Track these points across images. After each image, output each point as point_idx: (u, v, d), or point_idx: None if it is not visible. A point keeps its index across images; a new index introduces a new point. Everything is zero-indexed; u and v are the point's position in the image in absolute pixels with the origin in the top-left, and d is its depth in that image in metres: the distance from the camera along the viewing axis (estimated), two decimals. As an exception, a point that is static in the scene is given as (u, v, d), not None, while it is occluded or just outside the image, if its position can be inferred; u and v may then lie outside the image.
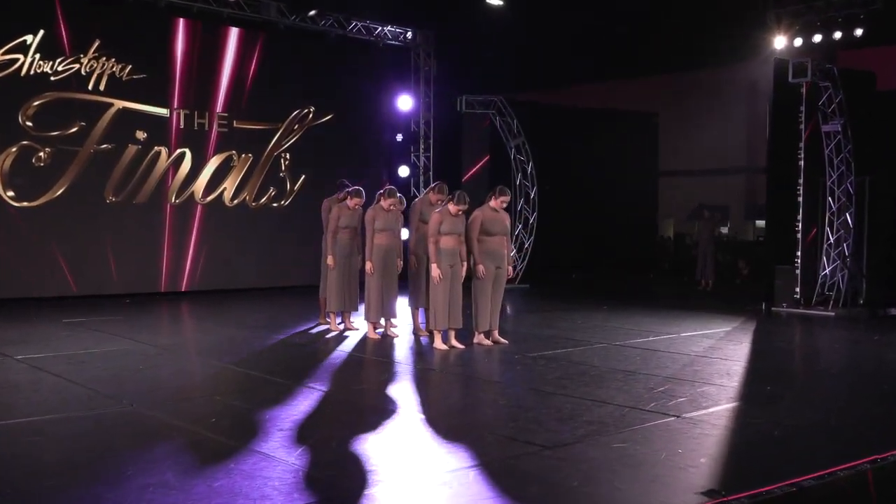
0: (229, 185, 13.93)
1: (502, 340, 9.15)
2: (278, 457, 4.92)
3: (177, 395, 6.54)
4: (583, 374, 7.50)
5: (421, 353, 8.72)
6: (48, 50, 12.17)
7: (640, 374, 7.53)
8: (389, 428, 5.61)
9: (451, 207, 8.81)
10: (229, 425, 5.66)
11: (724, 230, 20.87)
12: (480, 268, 8.84)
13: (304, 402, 6.36)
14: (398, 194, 9.67)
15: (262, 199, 14.28)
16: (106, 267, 12.79)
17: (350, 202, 9.91)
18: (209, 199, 13.72)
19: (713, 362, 8.16)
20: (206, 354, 8.38)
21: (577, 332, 10.19)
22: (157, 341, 9.03)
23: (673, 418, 5.92)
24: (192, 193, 13.56)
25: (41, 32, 12.08)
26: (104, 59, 12.62)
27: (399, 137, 15.93)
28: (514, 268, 16.22)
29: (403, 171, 15.80)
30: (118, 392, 6.59)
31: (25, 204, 12.17)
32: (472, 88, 16.23)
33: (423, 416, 5.97)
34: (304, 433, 5.43)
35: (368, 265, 9.39)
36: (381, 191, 9.58)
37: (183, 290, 13.49)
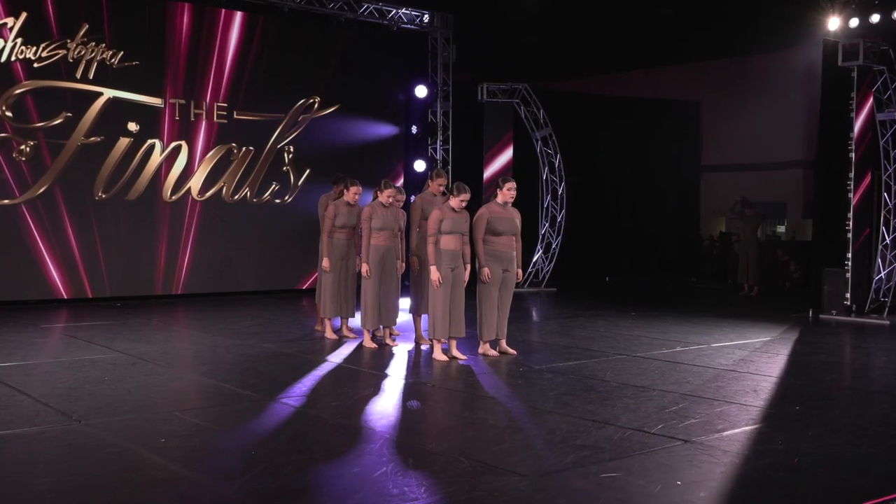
0: (228, 181, 13.72)
1: (510, 351, 8.79)
2: (216, 487, 4.62)
3: (133, 411, 6.29)
4: (589, 390, 7.12)
5: (418, 364, 8.40)
6: (32, 34, 12.03)
7: (654, 390, 7.13)
8: (353, 453, 5.28)
9: (453, 201, 8.47)
10: (177, 446, 5.39)
11: (782, 229, 20.25)
12: (486, 271, 8.49)
13: (268, 421, 6.08)
14: (395, 185, 9.36)
15: (264, 196, 14.05)
16: (95, 269, 12.64)
17: (348, 193, 9.62)
18: (207, 195, 13.53)
19: (741, 377, 7.73)
20: (182, 365, 8.14)
21: (596, 341, 9.80)
22: (134, 350, 8.82)
23: (680, 443, 5.52)
24: (189, 189, 13.37)
25: (24, 15, 11.95)
26: (93, 44, 12.47)
27: (414, 129, 15.60)
28: (539, 271, 15.88)
29: (419, 165, 15.47)
30: (71, 407, 6.36)
31: (6, 202, 12.05)
32: (494, 76, 15.87)
33: (394, 439, 5.63)
34: (256, 458, 5.12)
35: (364, 267, 9.09)
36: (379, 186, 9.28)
37: (178, 293, 13.31)
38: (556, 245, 15.99)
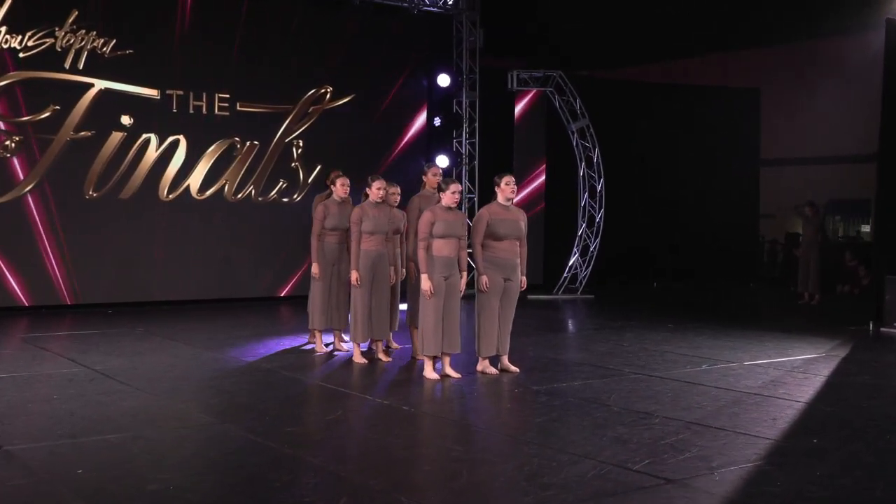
0: (231, 178, 13.58)
1: (512, 369, 8.44)
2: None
3: (66, 435, 6.10)
4: (584, 417, 6.76)
5: (406, 383, 8.10)
6: (17, 22, 12.01)
7: (658, 416, 6.74)
8: (280, 490, 5.00)
9: (444, 197, 8.15)
10: (90, 478, 5.17)
11: (867, 228, 19.53)
12: (484, 279, 8.16)
13: (204, 450, 5.83)
14: (381, 181, 8.99)
15: (271, 194, 13.90)
16: (86, 273, 12.60)
17: (335, 187, 9.37)
18: (207, 193, 13.41)
19: (763, 403, 7.28)
20: (144, 381, 7.94)
21: (615, 357, 9.40)
22: (103, 363, 8.68)
23: (661, 483, 5.14)
24: (188, 188, 13.27)
25: (8, 1, 11.94)
26: (83, 32, 12.42)
27: (437, 122, 15.30)
28: (576, 275, 15.48)
29: (442, 160, 15.17)
30: (1, 428, 6.21)
31: (-9, 200, 12.10)
32: (525, 62, 15.51)
33: (337, 473, 5.34)
34: (167, 498, 4.87)
35: (354, 275, 8.82)
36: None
37: (175, 299, 13.21)
38: (595, 247, 15.57)
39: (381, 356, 9.08)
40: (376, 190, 8.84)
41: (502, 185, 8.29)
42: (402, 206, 9.28)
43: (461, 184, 15.28)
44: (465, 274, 8.26)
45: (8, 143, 12.05)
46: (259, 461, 5.56)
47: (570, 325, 12.80)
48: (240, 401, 7.25)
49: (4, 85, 12.00)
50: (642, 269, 17.61)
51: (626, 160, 16.69)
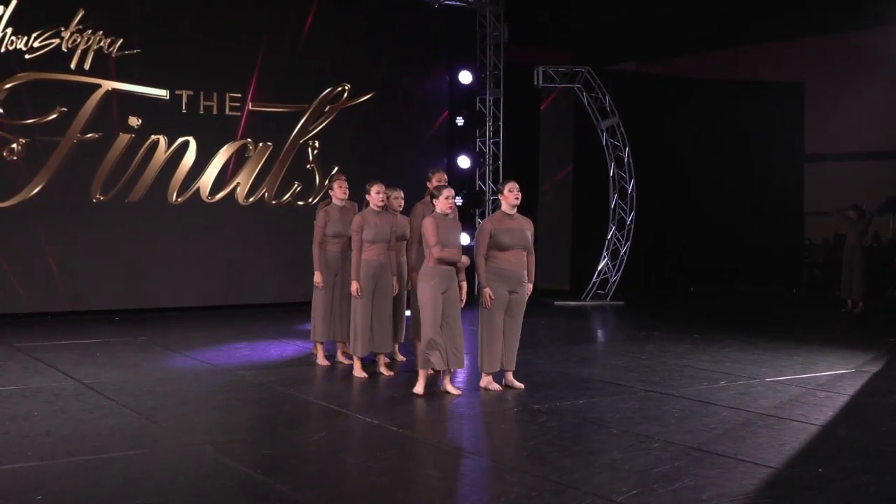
0: (243, 180, 13.60)
1: (517, 385, 8.32)
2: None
3: (35, 457, 6.09)
4: (580, 440, 6.63)
5: (402, 400, 8.00)
6: (22, 22, 12.13)
7: (657, 441, 6.57)
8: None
9: (439, 203, 8.04)
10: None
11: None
12: (487, 292, 8.04)
13: (172, 475, 5.78)
14: (380, 185, 8.88)
15: (285, 197, 13.89)
16: (92, 278, 12.69)
17: (334, 191, 9.33)
18: (218, 196, 13.43)
19: (776, 425, 7.08)
20: (130, 397, 7.91)
21: (630, 372, 9.23)
22: (94, 376, 8.70)
23: (641, 518, 5.01)
24: (198, 190, 13.31)
25: (13, 2, 12.05)
26: (90, 32, 12.50)
27: (461, 121, 15.18)
28: (605, 281, 15.29)
29: (464, 161, 15.07)
30: (-29, 449, 6.24)
31: (-3, 204, 12.22)
32: (551, 58, 15.35)
33: (297, 503, 5.27)
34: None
35: (354, 285, 8.74)
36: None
37: (184, 305, 13.25)
38: (625, 251, 15.36)
39: (383, 370, 8.99)
40: (375, 195, 8.76)
41: (506, 191, 8.18)
42: (406, 212, 9.20)
43: (484, 185, 15.23)
44: (463, 285, 8.12)
45: (14, 145, 12.16)
46: (224, 487, 5.51)
47: (592, 334, 12.63)
48: (224, 419, 7.23)
49: (10, 87, 12.10)
50: (676, 274, 17.35)
51: (658, 159, 16.46)
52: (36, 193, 12.37)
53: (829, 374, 9.19)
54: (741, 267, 17.68)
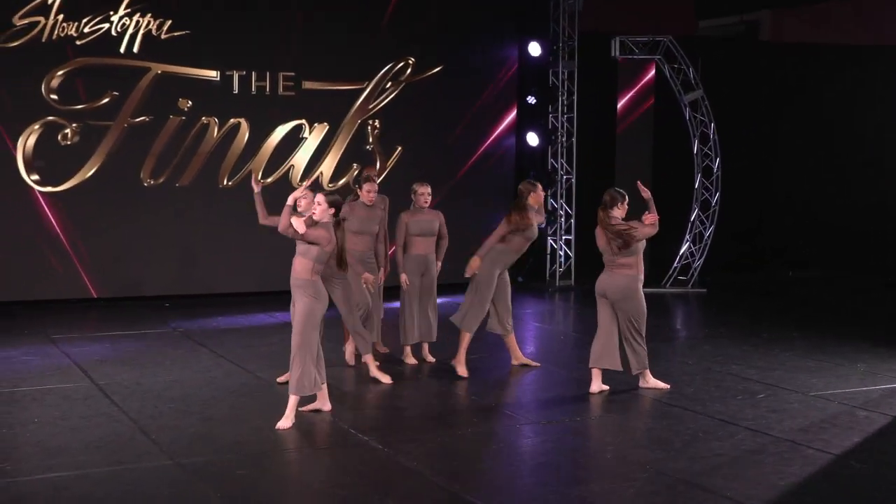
0: (298, 163, 13.92)
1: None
2: None
3: (18, 471, 6.47)
4: (564, 467, 6.70)
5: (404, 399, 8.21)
6: (72, 9, 12.63)
7: (650, 469, 6.57)
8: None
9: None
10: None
11: None
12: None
13: (131, 497, 6.11)
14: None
15: (343, 179, 14.16)
16: (143, 264, 13.24)
17: (362, 194, 9.61)
18: (272, 179, 13.77)
19: (788, 454, 6.97)
20: (135, 401, 8.26)
21: (666, 380, 9.08)
22: (112, 376, 9.06)
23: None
24: (251, 173, 13.64)
25: (63, -12, 12.62)
26: (138, 15, 12.93)
27: (532, 100, 15.14)
28: (687, 266, 15.11)
29: (532, 138, 15.04)
30: (-43, 461, 6.69)
31: (50, 189, 12.83)
32: (631, 27, 15.12)
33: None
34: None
35: (403, 277, 9.66)
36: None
37: (237, 291, 13.68)
38: (710, 234, 15.13)
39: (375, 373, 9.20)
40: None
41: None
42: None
43: (556, 164, 15.20)
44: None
45: (67, 131, 12.76)
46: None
47: (651, 332, 12.44)
48: (215, 432, 7.45)
49: (63, 73, 12.67)
50: (764, 260, 16.95)
51: (746, 135, 16.10)
52: (88, 178, 12.95)
53: (884, 389, 8.93)
54: (842, 255, 17.06)
